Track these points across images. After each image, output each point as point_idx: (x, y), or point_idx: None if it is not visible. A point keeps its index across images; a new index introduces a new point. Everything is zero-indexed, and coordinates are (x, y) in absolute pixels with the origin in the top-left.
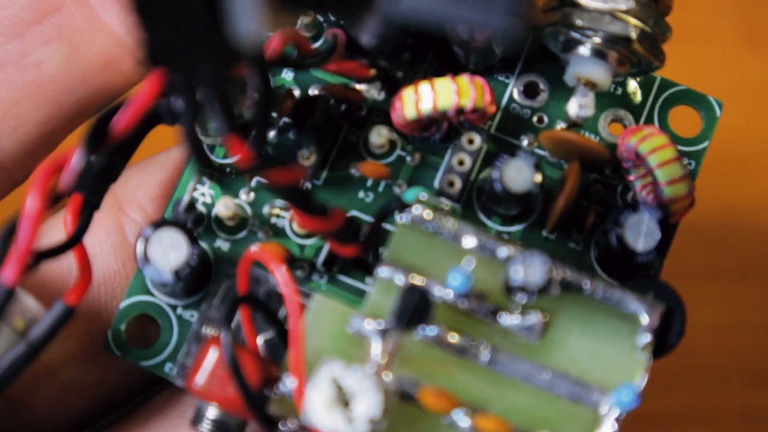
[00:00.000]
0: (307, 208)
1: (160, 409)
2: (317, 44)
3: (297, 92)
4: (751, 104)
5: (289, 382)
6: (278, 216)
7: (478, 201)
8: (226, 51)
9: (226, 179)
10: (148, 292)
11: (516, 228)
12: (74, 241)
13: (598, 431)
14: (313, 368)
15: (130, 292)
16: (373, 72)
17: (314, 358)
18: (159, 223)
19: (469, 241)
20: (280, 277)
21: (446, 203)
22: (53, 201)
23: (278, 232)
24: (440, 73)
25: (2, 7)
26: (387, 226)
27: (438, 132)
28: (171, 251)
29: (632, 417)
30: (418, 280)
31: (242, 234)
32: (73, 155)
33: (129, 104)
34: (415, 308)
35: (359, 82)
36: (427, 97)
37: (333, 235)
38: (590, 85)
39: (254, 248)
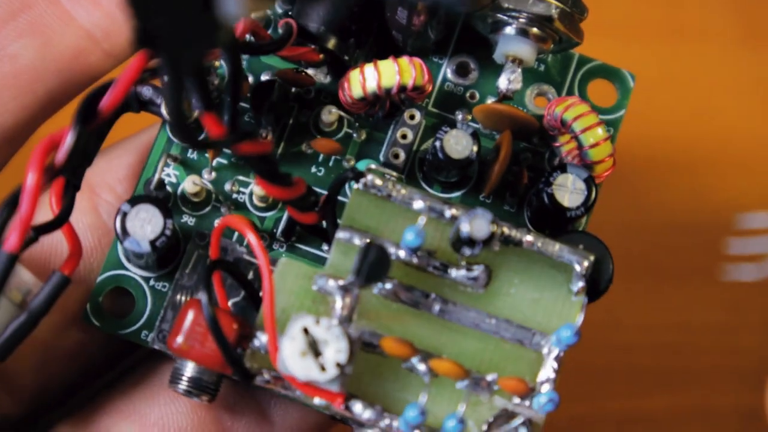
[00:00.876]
0: (272, 178)
1: (139, 379)
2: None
3: (250, 78)
4: (749, 102)
5: (262, 338)
6: (239, 192)
7: (419, 171)
8: (213, 34)
9: (189, 161)
10: (123, 267)
11: (456, 194)
12: (63, 219)
13: (543, 369)
14: (282, 325)
15: (106, 267)
16: (321, 57)
17: (283, 316)
18: (135, 200)
19: (418, 204)
20: (252, 239)
21: (392, 173)
22: (49, 176)
23: (239, 206)
24: (380, 56)
25: None
26: (341, 198)
27: (381, 110)
28: (147, 224)
29: (633, 417)
30: (373, 240)
31: (206, 210)
32: (67, 134)
33: (115, 84)
34: (373, 264)
35: (308, 66)
36: (371, 77)
37: (294, 203)
38: (517, 61)
39: (225, 217)
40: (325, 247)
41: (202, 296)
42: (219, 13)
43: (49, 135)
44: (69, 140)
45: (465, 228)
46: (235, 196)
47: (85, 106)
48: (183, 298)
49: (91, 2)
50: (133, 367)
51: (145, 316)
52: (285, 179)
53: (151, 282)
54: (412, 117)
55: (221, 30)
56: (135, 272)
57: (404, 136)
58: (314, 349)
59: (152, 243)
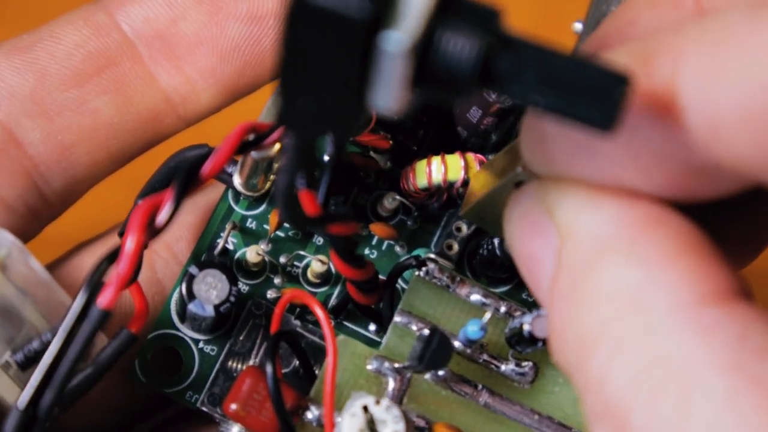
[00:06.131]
0: (348, 258)
1: None
2: None
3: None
4: None
5: (315, 411)
6: (293, 265)
7: (467, 260)
8: (356, 122)
9: (248, 229)
10: (174, 326)
11: (501, 289)
12: (133, 278)
13: None
14: (336, 400)
15: (158, 325)
16: (390, 144)
17: (336, 391)
18: (203, 264)
19: (476, 297)
20: (320, 314)
21: (444, 263)
22: (149, 238)
23: (292, 279)
24: (440, 147)
25: (64, 58)
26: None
27: (438, 201)
28: (213, 289)
29: None
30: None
31: (260, 279)
32: (168, 200)
33: (216, 153)
34: (436, 351)
35: (374, 152)
36: (437, 170)
37: (359, 284)
38: None
39: (291, 292)
40: (371, 327)
41: (268, 367)
42: (370, 102)
43: (149, 199)
44: (170, 207)
45: (527, 326)
46: (288, 268)
47: (187, 175)
48: (235, 365)
49: (174, 66)
50: (164, 424)
51: (192, 377)
52: (360, 261)
53: (201, 344)
54: None
55: (364, 118)
56: (186, 333)
57: (459, 229)
58: (372, 428)
59: (216, 308)
